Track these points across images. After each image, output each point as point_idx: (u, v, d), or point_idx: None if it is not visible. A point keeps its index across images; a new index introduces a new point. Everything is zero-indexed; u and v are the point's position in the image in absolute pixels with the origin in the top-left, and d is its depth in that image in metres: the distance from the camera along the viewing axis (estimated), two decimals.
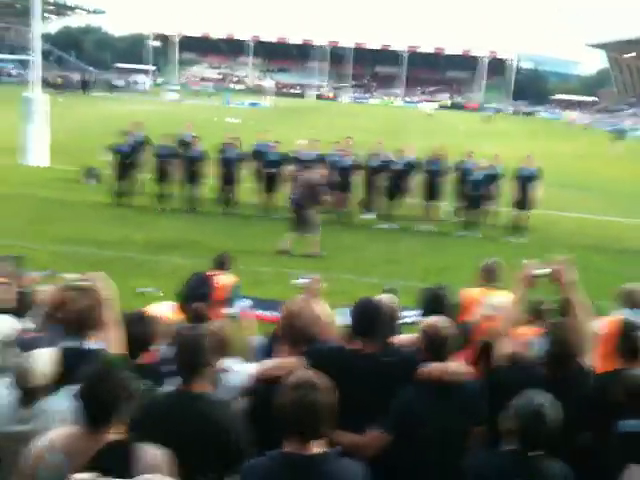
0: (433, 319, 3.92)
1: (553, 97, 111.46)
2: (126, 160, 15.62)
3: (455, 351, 3.92)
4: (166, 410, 3.22)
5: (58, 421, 3.05)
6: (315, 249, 12.42)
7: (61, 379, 3.28)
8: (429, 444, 3.55)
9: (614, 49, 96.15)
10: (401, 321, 4.01)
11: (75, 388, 2.87)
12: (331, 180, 14.65)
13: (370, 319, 3.74)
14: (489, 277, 5.99)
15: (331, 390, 2.81)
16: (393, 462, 3.59)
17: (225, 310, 5.20)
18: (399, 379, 3.64)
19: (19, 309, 5.33)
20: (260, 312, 8.21)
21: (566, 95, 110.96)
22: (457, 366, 3.79)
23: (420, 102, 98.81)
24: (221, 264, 7.10)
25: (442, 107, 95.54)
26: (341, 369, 3.18)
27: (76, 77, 75.96)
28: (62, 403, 3.18)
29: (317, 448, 2.77)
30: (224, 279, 6.69)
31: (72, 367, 3.01)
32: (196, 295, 5.83)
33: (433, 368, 3.68)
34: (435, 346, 3.73)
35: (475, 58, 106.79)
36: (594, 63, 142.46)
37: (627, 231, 16.90)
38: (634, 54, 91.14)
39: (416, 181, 15.77)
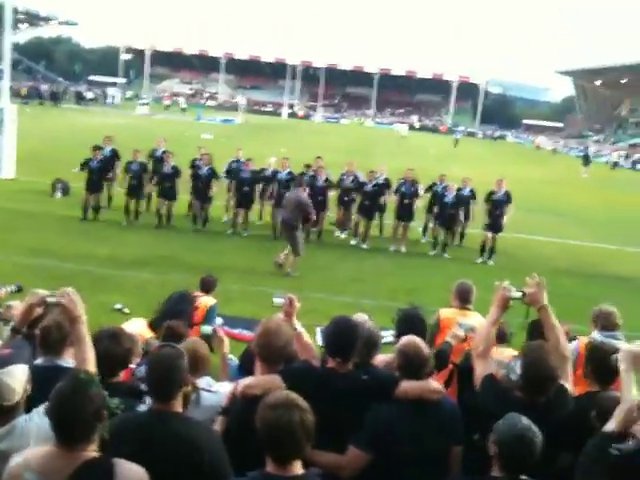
0: (410, 339, 3.90)
1: (522, 122, 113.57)
2: (96, 174, 15.41)
3: (430, 372, 3.92)
4: (140, 429, 3.15)
5: (33, 440, 2.97)
6: (292, 268, 12.39)
7: (34, 397, 3.19)
8: (408, 463, 3.52)
9: (581, 77, 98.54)
10: (383, 341, 3.98)
11: (45, 408, 2.80)
12: None
13: (346, 338, 3.70)
14: (463, 298, 6.02)
15: (309, 410, 2.81)
16: None
17: (199, 328, 5.14)
18: (376, 398, 3.62)
19: None
20: (230, 330, 8.15)
21: (533, 120, 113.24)
22: (436, 384, 3.79)
23: (393, 123, 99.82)
24: (207, 285, 7.12)
25: (411, 129, 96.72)
26: (317, 388, 3.15)
27: (45, 88, 74.89)
28: (36, 421, 3.10)
29: (297, 469, 2.78)
30: (205, 300, 6.68)
31: (45, 385, 2.93)
32: (176, 312, 5.76)
33: (412, 386, 3.67)
34: (414, 366, 3.72)
35: (445, 82, 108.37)
36: (563, 89, 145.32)
37: (598, 256, 17.19)
38: (599, 82, 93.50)
39: (387, 201, 15.90)
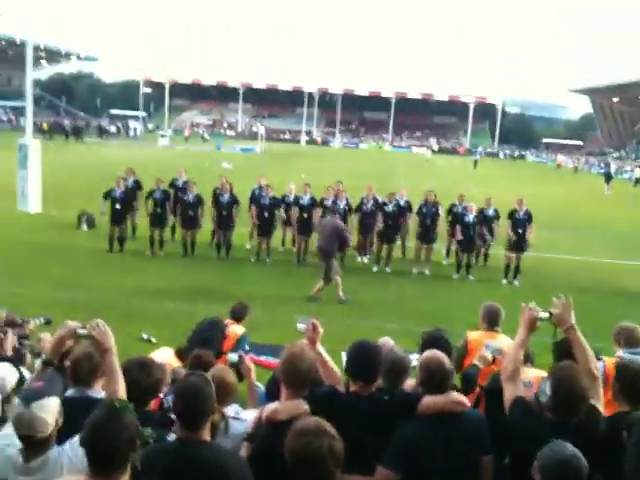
0: (432, 353, 3.90)
1: (542, 141, 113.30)
2: (119, 205, 15.63)
3: (453, 387, 3.92)
4: (168, 458, 3.17)
5: (66, 471, 3.00)
6: (319, 294, 12.44)
7: (65, 429, 3.23)
8: (437, 478, 3.51)
9: (597, 94, 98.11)
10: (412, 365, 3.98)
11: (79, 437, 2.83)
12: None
13: (367, 361, 3.74)
14: (491, 320, 6.00)
15: (337, 437, 2.82)
16: None
17: (228, 355, 5.16)
18: (400, 416, 3.62)
19: (16, 357, 5.30)
20: (256, 357, 8.16)
21: (553, 139, 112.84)
22: (457, 396, 3.76)
23: (410, 147, 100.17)
24: (238, 314, 7.13)
25: (432, 152, 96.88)
26: (342, 412, 3.16)
27: (67, 123, 76.27)
28: (68, 453, 3.13)
29: None
30: (235, 329, 6.71)
31: (76, 417, 2.97)
32: (205, 340, 5.82)
33: (434, 400, 3.66)
34: (436, 380, 3.72)
35: (462, 103, 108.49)
36: (581, 107, 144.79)
37: (620, 273, 17.00)
38: (617, 99, 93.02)
39: (410, 224, 15.93)
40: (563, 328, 3.86)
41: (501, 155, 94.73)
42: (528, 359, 5.67)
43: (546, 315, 3.89)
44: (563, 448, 3.07)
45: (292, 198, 16.11)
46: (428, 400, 3.66)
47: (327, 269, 12.43)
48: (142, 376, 3.85)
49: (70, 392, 3.80)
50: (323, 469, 2.74)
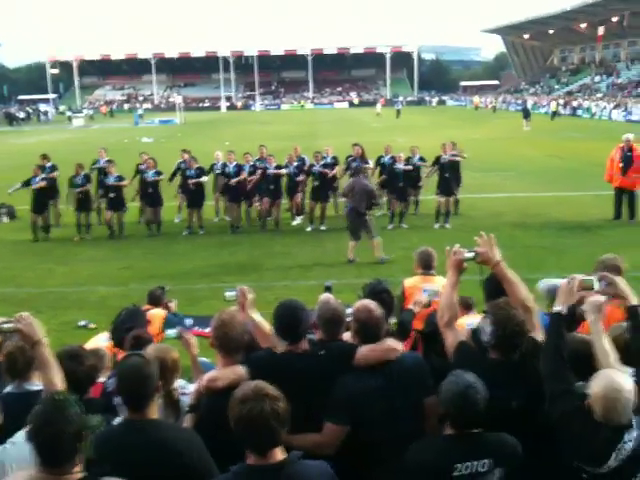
0: (361, 303, 3.90)
1: (460, 84, 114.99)
2: (40, 194, 15.09)
3: (388, 333, 3.95)
4: (119, 441, 3.12)
5: (12, 469, 2.90)
6: (381, 252, 12.39)
7: (8, 425, 3.11)
8: (383, 424, 3.54)
9: (508, 33, 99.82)
10: (348, 319, 3.97)
11: (22, 433, 2.72)
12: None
13: (290, 319, 3.74)
14: (426, 264, 6.08)
15: (280, 397, 2.82)
16: (355, 453, 3.56)
17: (165, 333, 5.07)
18: (338, 369, 3.64)
19: None
20: (202, 330, 8.07)
21: (470, 82, 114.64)
22: (392, 342, 3.78)
23: (332, 103, 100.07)
24: (155, 299, 6.97)
25: (351, 105, 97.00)
26: (280, 373, 3.14)
27: None
28: (12, 451, 3.02)
29: (278, 456, 2.81)
30: (155, 312, 6.55)
31: (15, 413, 2.85)
32: (129, 330, 5.65)
33: (369, 349, 3.67)
34: (369, 329, 3.73)
35: (379, 54, 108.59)
36: (494, 47, 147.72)
37: (546, 205, 17.53)
38: (527, 36, 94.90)
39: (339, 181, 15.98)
40: (490, 265, 3.90)
41: (427, 100, 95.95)
42: (469, 307, 5.80)
43: (471, 255, 3.92)
44: (460, 379, 3.17)
45: (219, 166, 15.84)
46: (363, 350, 3.67)
47: (366, 229, 12.37)
48: (74, 365, 3.74)
49: (8, 388, 3.68)
50: (269, 432, 2.74)
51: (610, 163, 15.73)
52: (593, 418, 3.02)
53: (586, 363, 3.43)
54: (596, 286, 3.56)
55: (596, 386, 3.03)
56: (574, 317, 3.89)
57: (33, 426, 2.65)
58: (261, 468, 2.77)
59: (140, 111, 75.18)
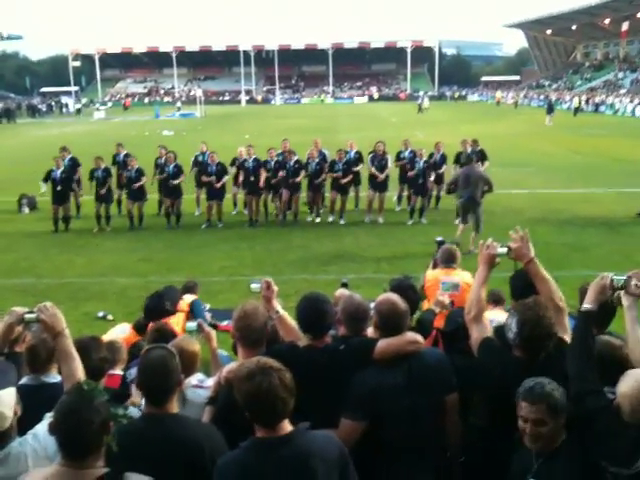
0: (385, 296, 3.83)
1: (480, 79, 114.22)
2: (60, 187, 15.17)
3: (410, 327, 3.88)
4: (139, 436, 3.08)
5: (32, 462, 2.87)
6: (475, 246, 12.29)
7: (24, 419, 3.09)
8: (402, 420, 3.47)
9: (531, 28, 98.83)
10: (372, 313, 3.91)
11: (44, 425, 2.69)
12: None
13: (314, 313, 3.69)
14: (447, 259, 6.02)
15: (284, 368, 2.83)
16: (373, 449, 3.51)
17: (185, 326, 5.07)
18: (358, 364, 3.57)
19: None
20: (219, 323, 8.07)
21: (491, 77, 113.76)
22: (413, 335, 3.70)
23: (352, 97, 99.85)
24: (188, 290, 7.11)
25: (371, 100, 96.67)
26: (301, 367, 3.10)
27: None
28: (31, 443, 2.99)
29: (287, 427, 2.82)
30: (186, 297, 6.62)
31: (34, 405, 2.83)
32: (158, 309, 5.75)
33: (388, 343, 3.59)
34: (391, 322, 3.65)
35: (399, 49, 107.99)
36: (516, 42, 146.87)
37: (568, 202, 17.31)
38: (550, 31, 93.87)
39: (362, 175, 15.93)
40: (523, 262, 3.80)
41: (448, 94, 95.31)
42: (500, 301, 5.72)
43: (504, 250, 3.83)
44: (542, 384, 3.06)
45: (243, 161, 15.66)
46: (382, 343, 3.60)
47: (478, 219, 12.44)
48: (94, 354, 3.73)
49: (24, 380, 3.65)
50: (280, 403, 2.76)
51: None
52: (621, 418, 2.92)
53: (610, 366, 3.34)
54: (629, 286, 3.44)
55: (624, 385, 2.94)
56: (605, 316, 3.80)
57: (59, 415, 2.60)
58: (271, 440, 2.79)
59: (178, 104, 77.81)
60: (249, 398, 2.76)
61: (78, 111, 78.20)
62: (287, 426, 2.82)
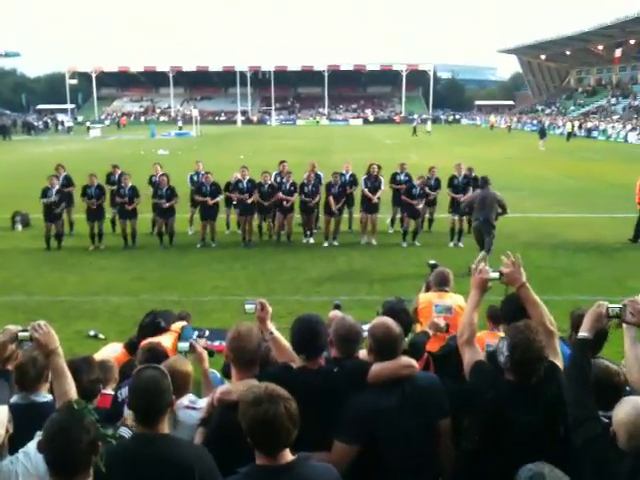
0: (379, 319, 3.83)
1: (474, 103, 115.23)
2: (54, 204, 15.14)
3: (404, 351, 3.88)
4: (130, 456, 3.06)
5: None
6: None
7: (15, 437, 3.07)
8: (395, 445, 3.47)
9: (525, 53, 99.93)
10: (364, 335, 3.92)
11: (33, 443, 2.68)
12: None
13: (308, 335, 3.67)
14: (440, 282, 6.05)
15: (290, 397, 2.82)
16: (366, 472, 3.50)
17: (175, 346, 5.05)
18: (351, 387, 3.56)
19: None
20: (210, 343, 8.04)
21: (485, 101, 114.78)
22: (407, 359, 3.69)
23: (347, 119, 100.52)
24: (181, 319, 7.07)
25: (366, 122, 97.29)
26: (294, 389, 3.11)
27: None
28: (22, 461, 2.98)
29: (288, 456, 2.81)
30: (176, 324, 6.60)
31: (23, 424, 2.82)
32: (152, 325, 5.77)
33: (382, 367, 3.59)
34: (385, 346, 3.64)
35: (395, 72, 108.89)
36: (510, 67, 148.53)
37: (560, 226, 17.42)
38: (544, 56, 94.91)
39: (356, 196, 16.04)
40: (515, 286, 3.82)
41: (442, 118, 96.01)
42: (499, 320, 5.72)
43: (496, 275, 3.84)
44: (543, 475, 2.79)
45: (237, 182, 15.66)
46: (376, 367, 3.59)
47: (490, 240, 12.42)
48: (86, 373, 3.73)
49: (15, 398, 3.62)
50: (284, 433, 2.74)
51: None
52: (617, 446, 2.91)
53: (607, 392, 3.36)
54: (625, 314, 3.43)
55: (621, 412, 2.93)
56: (598, 340, 3.81)
57: (48, 433, 2.59)
58: (270, 469, 2.77)
59: (180, 123, 78.90)
60: (253, 424, 2.75)
61: (69, 129, 78.72)
62: (288, 455, 2.81)
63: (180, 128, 71.48)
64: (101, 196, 15.41)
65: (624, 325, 3.50)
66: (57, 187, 15.34)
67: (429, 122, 73.05)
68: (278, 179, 15.71)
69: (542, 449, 3.33)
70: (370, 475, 3.52)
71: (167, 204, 15.17)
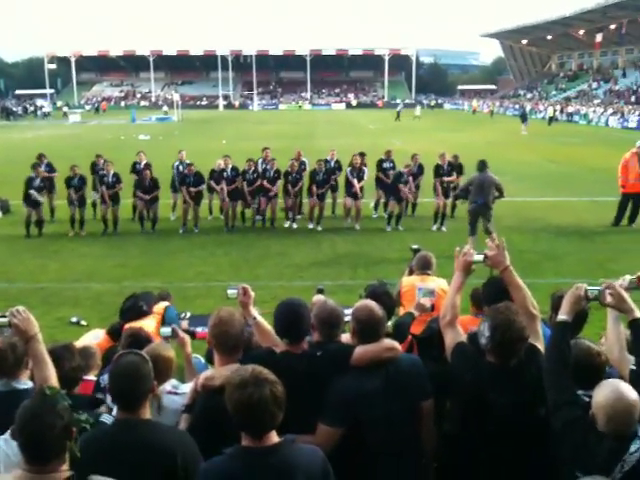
0: (362, 303, 3.84)
1: (457, 88, 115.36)
2: (37, 190, 15.00)
3: (387, 334, 3.89)
4: (111, 441, 3.06)
5: (2, 469, 2.84)
6: None
7: None
8: (378, 427, 3.49)
9: (507, 38, 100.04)
10: (346, 319, 3.92)
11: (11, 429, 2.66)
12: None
13: (290, 319, 3.69)
14: (423, 265, 6.07)
15: (277, 380, 2.83)
16: (350, 455, 3.52)
17: (159, 331, 5.03)
18: (335, 370, 3.58)
19: None
20: (193, 329, 8.01)
21: (468, 85, 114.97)
22: (390, 341, 3.72)
23: (330, 104, 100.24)
24: (162, 298, 7.05)
25: (348, 107, 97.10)
26: (278, 373, 3.10)
27: None
28: (1, 450, 2.96)
29: (273, 438, 2.82)
30: (159, 305, 6.57)
31: (4, 411, 2.78)
32: (134, 308, 5.77)
33: (365, 350, 3.61)
34: (368, 329, 3.66)
35: (377, 57, 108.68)
36: (492, 52, 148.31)
37: (542, 210, 17.54)
38: (525, 41, 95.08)
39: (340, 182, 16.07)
40: (499, 269, 3.84)
41: (418, 105, 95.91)
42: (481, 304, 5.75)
43: (480, 258, 3.86)
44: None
45: (221, 171, 15.58)
46: (359, 350, 3.61)
47: (489, 221, 12.72)
48: (67, 360, 3.70)
49: None
50: (269, 416, 2.75)
51: (623, 169, 15.55)
52: (596, 428, 2.94)
53: (588, 372, 3.40)
54: (603, 296, 3.47)
55: (600, 395, 2.95)
56: (578, 321, 3.84)
57: (21, 420, 2.58)
58: (256, 450, 2.78)
59: (165, 107, 77.17)
60: (238, 407, 2.75)
61: (45, 115, 77.88)
62: (274, 437, 2.82)
63: (166, 113, 70.63)
64: (83, 187, 15.29)
65: (608, 302, 3.50)
66: (40, 178, 15.23)
67: (418, 107, 73.01)
68: (262, 166, 15.64)
69: (522, 431, 3.37)
70: (353, 458, 3.53)
71: (149, 197, 15.13)
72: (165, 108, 76.60)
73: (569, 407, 3.12)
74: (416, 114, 66.70)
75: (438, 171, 15.70)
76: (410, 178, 15.35)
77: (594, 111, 60.39)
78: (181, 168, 16.21)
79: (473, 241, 12.30)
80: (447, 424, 3.79)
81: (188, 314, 8.31)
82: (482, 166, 13.11)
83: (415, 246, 6.98)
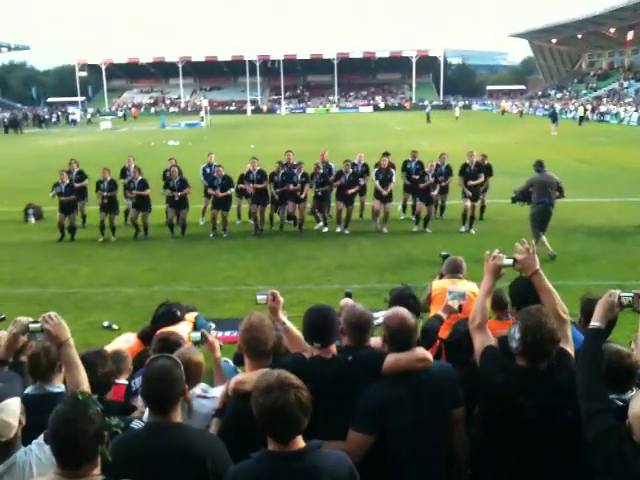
0: (395, 310, 3.82)
1: (486, 88, 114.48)
2: (68, 196, 15.28)
3: (419, 342, 3.87)
4: (142, 444, 3.09)
5: (36, 472, 2.89)
6: (549, 247, 12.40)
7: (29, 428, 3.10)
8: (409, 435, 3.47)
9: (536, 37, 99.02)
10: (376, 322, 3.92)
11: (44, 434, 2.72)
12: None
13: (319, 323, 3.69)
14: (453, 269, 6.03)
15: (302, 385, 2.83)
16: (380, 463, 3.50)
17: (189, 336, 5.07)
18: (365, 376, 3.56)
19: None
20: (222, 333, 8.09)
21: (496, 86, 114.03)
22: (422, 351, 3.69)
23: (357, 107, 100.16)
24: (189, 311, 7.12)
25: (376, 109, 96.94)
26: (308, 378, 3.11)
27: (4, 116, 74.04)
28: (36, 453, 3.02)
29: (299, 443, 2.82)
30: (189, 315, 6.64)
31: (38, 414, 2.84)
32: (167, 314, 5.84)
33: (398, 358, 3.59)
34: (400, 337, 3.64)
35: (404, 58, 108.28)
36: (521, 52, 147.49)
37: (573, 211, 17.24)
38: (555, 40, 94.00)
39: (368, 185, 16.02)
40: (528, 273, 3.80)
41: (453, 104, 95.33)
42: (505, 307, 5.70)
43: (510, 262, 3.82)
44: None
45: (247, 174, 15.69)
46: (391, 359, 3.59)
47: (547, 221, 12.70)
48: (99, 365, 3.76)
49: (29, 389, 3.66)
50: (293, 421, 2.76)
51: None
52: (632, 439, 2.84)
53: (619, 374, 3.35)
54: (637, 303, 3.37)
55: (636, 406, 2.83)
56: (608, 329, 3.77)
57: (54, 425, 2.62)
58: (282, 455, 2.79)
59: (202, 113, 74.59)
60: (263, 411, 2.77)
61: (89, 121, 78.98)
62: (300, 442, 2.82)
63: (202, 119, 70.14)
64: (113, 190, 15.48)
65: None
66: (67, 182, 15.48)
67: (457, 108, 72.81)
68: (288, 170, 15.69)
69: (551, 435, 3.33)
70: (381, 466, 3.52)
71: (179, 194, 15.24)
72: (202, 113, 75.29)
73: (602, 415, 3.04)
74: (456, 115, 66.56)
75: (464, 170, 15.48)
76: (432, 178, 15.31)
77: (625, 110, 59.43)
78: (208, 171, 16.34)
79: (543, 242, 12.19)
80: (475, 428, 3.76)
81: (213, 325, 8.36)
82: (540, 166, 13.04)
83: (445, 252, 6.97)
